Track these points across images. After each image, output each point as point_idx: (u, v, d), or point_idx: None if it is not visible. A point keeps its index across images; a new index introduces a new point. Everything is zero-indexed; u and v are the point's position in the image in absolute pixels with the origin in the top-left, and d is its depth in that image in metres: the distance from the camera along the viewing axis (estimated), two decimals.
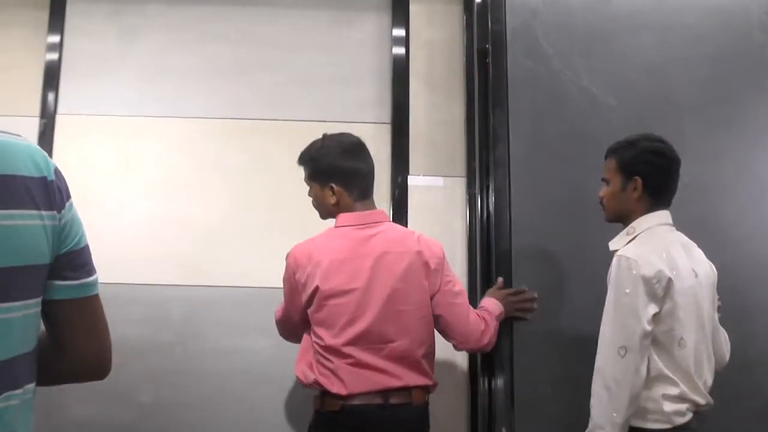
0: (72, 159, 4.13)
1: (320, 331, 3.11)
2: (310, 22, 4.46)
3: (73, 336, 1.73)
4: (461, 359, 4.02)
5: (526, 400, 3.49)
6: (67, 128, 4.27)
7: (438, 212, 4.15)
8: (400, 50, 4.37)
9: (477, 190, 3.99)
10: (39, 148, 1.70)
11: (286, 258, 3.23)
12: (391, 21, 4.44)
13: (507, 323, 3.50)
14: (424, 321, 3.20)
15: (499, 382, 3.54)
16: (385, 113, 4.35)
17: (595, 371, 2.88)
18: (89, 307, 1.74)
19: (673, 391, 2.84)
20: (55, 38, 4.35)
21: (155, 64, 4.37)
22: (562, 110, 3.77)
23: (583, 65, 3.81)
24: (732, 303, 3.32)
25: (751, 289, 3.56)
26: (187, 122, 4.29)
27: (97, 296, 1.76)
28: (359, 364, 3.07)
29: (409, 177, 4.20)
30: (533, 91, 3.78)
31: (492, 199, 3.75)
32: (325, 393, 3.10)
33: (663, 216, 3.06)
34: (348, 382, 3.06)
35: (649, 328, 2.81)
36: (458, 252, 4.08)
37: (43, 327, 1.72)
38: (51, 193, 1.65)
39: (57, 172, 1.69)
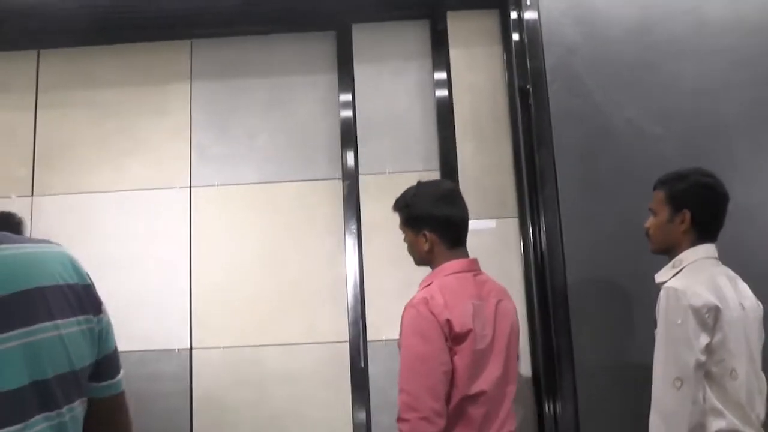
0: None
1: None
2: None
3: (98, 430, 1.77)
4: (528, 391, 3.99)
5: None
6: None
7: (493, 254, 4.12)
8: (443, 93, 4.40)
9: (529, 230, 3.97)
10: (70, 253, 1.75)
11: (413, 307, 2.95)
12: (431, 66, 4.49)
13: (568, 356, 3.49)
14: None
15: (565, 415, 3.56)
16: (434, 159, 4.36)
17: (651, 404, 2.84)
18: (116, 404, 1.80)
19: (725, 424, 2.76)
20: (346, 96, 4.54)
21: None
22: (608, 144, 3.77)
23: (626, 97, 3.80)
24: None
25: None
26: None
27: (123, 393, 1.82)
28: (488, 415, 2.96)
29: None
30: (577, 127, 3.78)
31: (544, 238, 3.74)
32: None
33: (709, 249, 3.01)
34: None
35: (702, 358, 2.75)
36: (516, 292, 4.03)
37: None
38: (85, 298, 1.69)
39: (89, 277, 1.74)
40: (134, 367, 4.22)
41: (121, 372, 1.82)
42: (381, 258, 4.31)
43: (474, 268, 3.12)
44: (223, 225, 4.48)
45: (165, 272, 4.43)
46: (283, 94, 4.60)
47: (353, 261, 4.34)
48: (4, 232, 1.67)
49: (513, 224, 4.18)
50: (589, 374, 3.57)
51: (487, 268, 3.90)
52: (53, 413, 1.57)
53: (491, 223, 4.19)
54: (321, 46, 4.65)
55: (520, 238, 4.14)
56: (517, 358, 3.14)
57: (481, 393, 2.88)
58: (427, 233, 3.09)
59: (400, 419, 2.78)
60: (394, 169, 4.40)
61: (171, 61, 4.67)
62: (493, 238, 4.18)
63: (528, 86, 3.91)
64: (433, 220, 3.09)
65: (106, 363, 1.75)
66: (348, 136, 4.48)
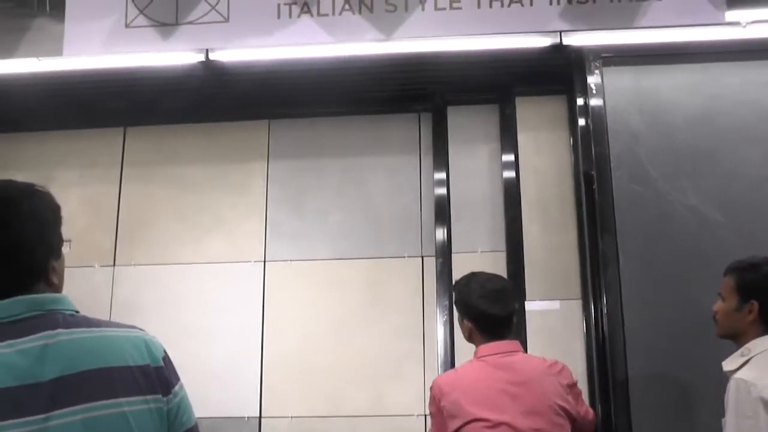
0: None
1: None
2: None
3: None
4: None
5: None
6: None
7: (557, 335, 4.20)
8: (510, 174, 4.53)
9: (591, 312, 4.04)
10: (151, 338, 1.92)
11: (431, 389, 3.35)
12: (500, 148, 4.63)
13: None
14: None
15: None
16: (500, 241, 4.47)
17: None
18: None
19: None
20: (441, 175, 4.71)
21: None
22: (670, 230, 3.85)
23: (688, 184, 3.88)
24: None
25: None
26: None
27: None
28: None
29: (526, 302, 4.28)
30: (640, 214, 3.88)
31: (605, 320, 3.82)
32: None
33: None
34: None
35: None
36: (580, 373, 4.09)
37: None
38: (156, 378, 1.84)
39: (165, 358, 1.90)
40: None
41: None
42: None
43: (505, 350, 3.32)
44: (296, 298, 4.64)
45: (238, 342, 4.60)
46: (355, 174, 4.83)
47: (442, 336, 4.39)
48: (87, 316, 1.84)
49: (577, 306, 4.25)
50: None
51: (551, 348, 4.01)
52: None
53: (555, 305, 4.26)
54: (393, 129, 4.86)
55: (584, 319, 4.20)
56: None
57: None
58: (466, 322, 3.35)
59: None
60: (459, 249, 4.53)
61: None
62: (557, 319, 4.25)
63: (592, 171, 4.01)
64: (475, 312, 3.35)
65: None
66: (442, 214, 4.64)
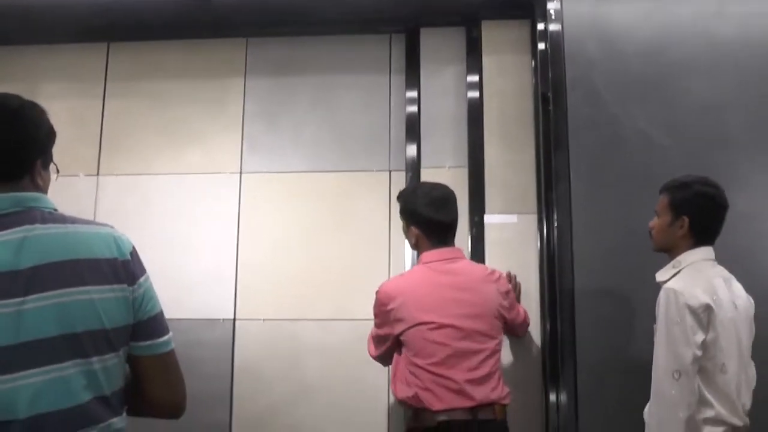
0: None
1: None
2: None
3: (146, 385, 2.18)
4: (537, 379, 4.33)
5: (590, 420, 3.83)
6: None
7: (513, 247, 4.45)
8: (474, 94, 4.73)
9: (544, 227, 4.29)
10: (120, 234, 2.18)
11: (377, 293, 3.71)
12: (465, 70, 4.83)
13: (570, 348, 3.87)
14: None
15: (567, 403, 3.93)
16: (464, 157, 4.72)
17: (651, 395, 3.15)
18: (161, 362, 2.19)
19: (713, 413, 3.07)
20: (412, 94, 4.92)
21: None
22: (620, 151, 4.07)
23: (638, 109, 4.10)
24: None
25: None
26: None
27: (168, 353, 2.21)
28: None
29: (485, 215, 4.53)
30: (592, 135, 4.10)
31: (555, 233, 4.09)
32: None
33: (706, 252, 3.30)
34: None
35: (699, 353, 3.05)
36: (533, 283, 4.36)
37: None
38: (122, 270, 2.11)
39: (133, 253, 2.17)
40: (183, 334, 4.63)
41: (167, 336, 2.21)
42: None
43: (449, 256, 3.65)
44: (269, 208, 4.91)
45: (214, 250, 4.87)
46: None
47: (407, 246, 4.54)
48: (63, 214, 2.13)
49: (533, 220, 4.47)
50: (589, 366, 3.90)
51: (507, 260, 4.29)
52: (82, 360, 1.99)
53: (513, 218, 4.49)
54: (365, 49, 5.08)
55: (538, 233, 4.43)
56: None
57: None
58: (413, 229, 3.66)
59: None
60: (427, 164, 4.76)
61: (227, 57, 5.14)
62: (514, 232, 4.47)
63: (549, 93, 4.24)
64: (421, 220, 3.66)
65: (146, 325, 2.15)
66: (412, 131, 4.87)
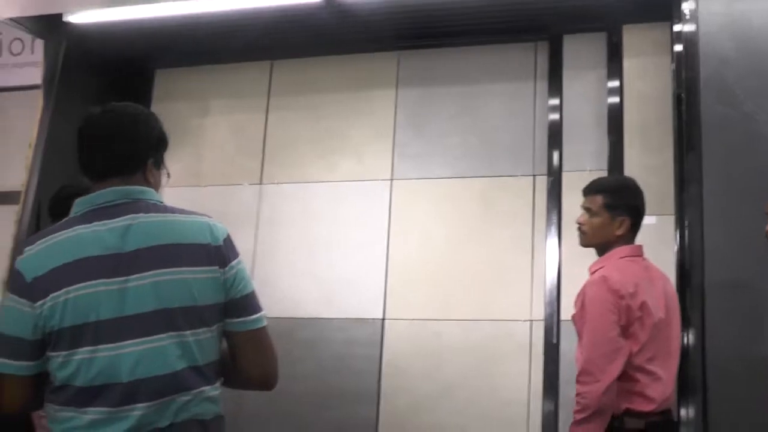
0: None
1: None
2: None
3: (239, 358, 2.40)
4: None
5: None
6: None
7: (652, 249, 4.42)
8: (615, 99, 4.79)
9: (678, 227, 4.28)
10: (216, 223, 2.40)
11: (593, 285, 3.47)
12: (606, 74, 4.90)
13: (699, 351, 3.83)
14: None
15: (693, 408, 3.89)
16: (604, 161, 4.77)
17: None
18: (252, 337, 2.39)
19: None
20: (555, 101, 5.09)
21: None
22: (755, 150, 4.01)
23: None
24: None
25: None
26: None
27: (260, 330, 2.40)
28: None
29: None
30: (726, 134, 4.06)
31: (686, 233, 4.07)
32: None
33: None
34: None
35: None
36: (673, 281, 4.32)
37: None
38: (215, 255, 2.33)
39: (227, 240, 2.39)
40: (335, 333, 4.97)
41: (259, 314, 2.40)
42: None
43: (640, 253, 3.67)
44: (418, 212, 5.15)
45: (366, 252, 5.15)
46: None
47: (550, 249, 4.77)
48: (166, 205, 2.41)
49: (671, 221, 4.49)
50: (720, 369, 3.85)
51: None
52: (176, 333, 2.23)
53: (652, 219, 4.48)
54: (510, 58, 5.23)
55: (676, 233, 4.44)
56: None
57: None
58: (625, 220, 3.59)
59: (578, 381, 3.32)
60: (568, 168, 4.85)
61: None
62: (653, 234, 4.46)
63: (682, 94, 4.23)
64: (636, 211, 3.64)
65: (238, 304, 2.37)
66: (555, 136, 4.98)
